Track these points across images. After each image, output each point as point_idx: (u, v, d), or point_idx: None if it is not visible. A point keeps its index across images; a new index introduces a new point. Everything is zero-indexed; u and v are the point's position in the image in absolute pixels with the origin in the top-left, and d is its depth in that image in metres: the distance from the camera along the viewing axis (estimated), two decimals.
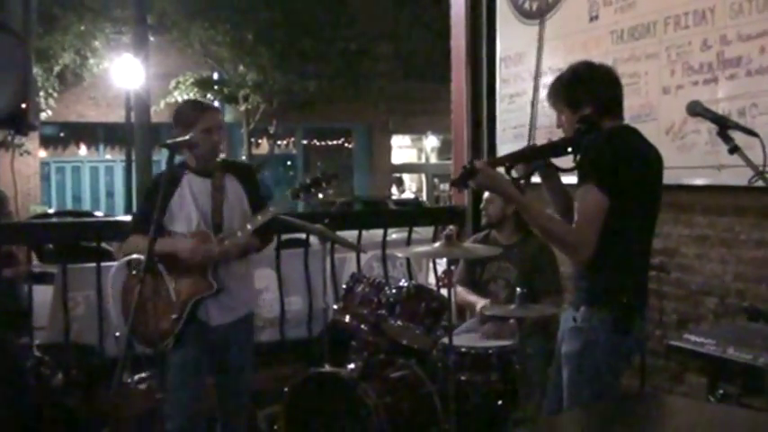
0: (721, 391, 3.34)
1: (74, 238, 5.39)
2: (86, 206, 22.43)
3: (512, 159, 3.14)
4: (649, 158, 3.05)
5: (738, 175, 3.53)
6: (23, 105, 3.76)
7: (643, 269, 3.09)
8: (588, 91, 3.05)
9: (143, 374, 4.53)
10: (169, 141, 3.38)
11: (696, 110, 2.91)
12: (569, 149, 3.05)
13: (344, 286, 4.33)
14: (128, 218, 5.27)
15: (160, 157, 18.61)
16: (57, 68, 18.65)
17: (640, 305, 3.04)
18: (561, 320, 3.22)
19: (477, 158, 5.83)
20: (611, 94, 3.10)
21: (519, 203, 3.01)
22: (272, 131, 22.54)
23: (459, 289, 4.63)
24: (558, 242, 3.05)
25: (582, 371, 2.96)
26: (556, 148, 3.12)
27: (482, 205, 4.74)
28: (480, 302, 4.41)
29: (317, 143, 26.28)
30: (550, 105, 3.22)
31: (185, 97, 19.80)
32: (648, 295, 3.14)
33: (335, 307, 4.28)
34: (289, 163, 25.40)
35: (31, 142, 19.74)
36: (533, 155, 3.16)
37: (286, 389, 4.03)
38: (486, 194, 4.60)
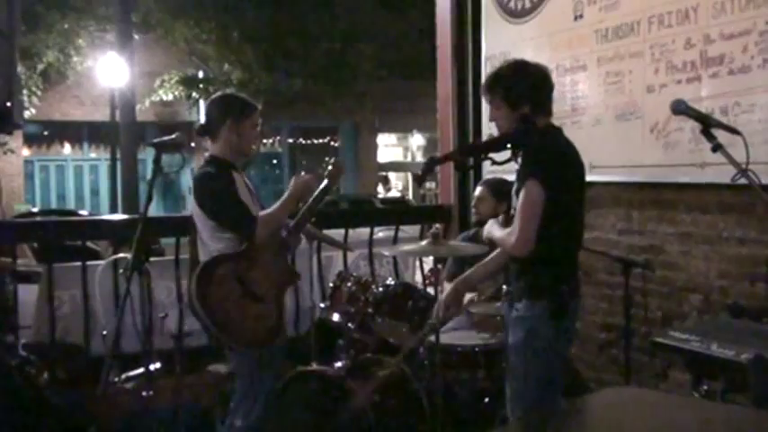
0: (705, 388, 3.36)
1: (59, 237, 5.37)
2: (71, 205, 22.28)
3: (460, 154, 3.43)
4: (578, 157, 3.28)
5: (722, 173, 3.56)
6: (8, 104, 3.75)
7: (575, 258, 3.35)
8: (528, 90, 3.24)
9: (130, 373, 4.53)
10: (156, 141, 3.40)
11: (680, 108, 2.95)
12: (508, 145, 3.22)
13: (331, 285, 4.34)
14: (113, 217, 5.25)
15: (145, 156, 18.52)
16: (40, 67, 18.52)
17: (575, 290, 3.30)
18: (505, 314, 3.44)
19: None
20: (547, 93, 3.31)
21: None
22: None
23: (446, 285, 4.65)
24: (502, 245, 3.30)
25: (528, 358, 3.18)
26: (497, 144, 3.27)
27: (473, 203, 4.77)
28: (467, 296, 4.42)
29: (303, 141, 26.22)
30: (486, 100, 3.38)
31: (170, 96, 19.76)
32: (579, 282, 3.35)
33: (322, 305, 4.29)
34: (274, 161, 25.33)
35: (15, 141, 19.60)
36: (479, 149, 3.30)
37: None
38: (477, 192, 4.63)
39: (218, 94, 3.97)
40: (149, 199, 3.45)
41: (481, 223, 4.65)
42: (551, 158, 3.16)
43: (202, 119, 3.86)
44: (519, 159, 3.24)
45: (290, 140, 25.79)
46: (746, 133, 2.92)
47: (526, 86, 3.25)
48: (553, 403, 3.20)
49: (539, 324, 3.16)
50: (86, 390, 4.53)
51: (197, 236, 3.66)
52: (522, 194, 3.11)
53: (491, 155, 3.25)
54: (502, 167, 3.32)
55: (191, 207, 3.73)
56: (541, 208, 3.07)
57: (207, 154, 3.74)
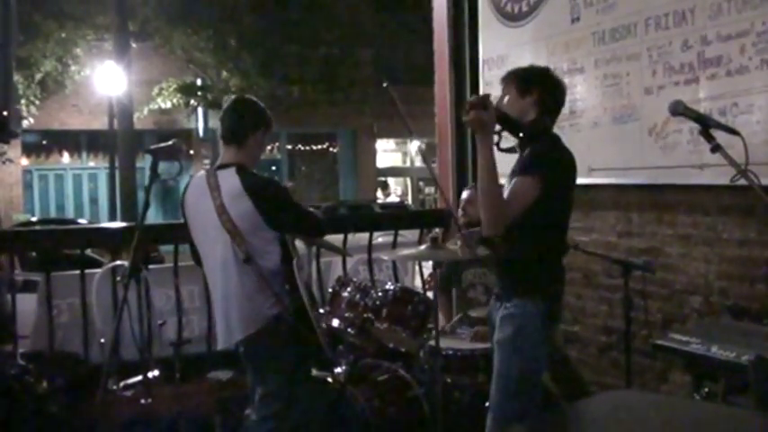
0: (706, 390, 3.35)
1: (58, 246, 5.35)
2: (70, 214, 22.28)
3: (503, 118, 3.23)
4: (575, 162, 3.29)
5: (721, 174, 3.56)
6: (4, 113, 3.74)
7: (561, 260, 3.35)
8: (540, 82, 3.28)
9: (129, 381, 4.51)
10: (152, 147, 3.38)
11: (679, 109, 2.95)
12: (517, 131, 3.25)
13: (331, 290, 4.33)
14: (111, 224, 5.24)
15: (144, 164, 18.52)
16: (38, 76, 18.55)
17: (562, 293, 3.32)
18: (490, 314, 3.39)
19: (463, 157, 5.94)
20: (559, 95, 3.34)
21: (488, 154, 3.03)
22: None
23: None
24: (490, 207, 3.06)
25: (513, 356, 3.15)
26: (512, 124, 3.25)
27: (461, 206, 4.75)
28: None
29: (302, 148, 26.23)
30: (502, 88, 3.38)
31: (169, 103, 19.76)
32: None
33: (322, 311, 4.28)
34: (273, 168, 25.33)
35: (14, 150, 19.61)
36: (506, 119, 3.24)
37: None
38: (464, 195, 4.65)
39: (244, 97, 3.75)
40: (146, 206, 3.43)
41: (470, 225, 4.63)
42: (556, 161, 3.19)
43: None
44: (522, 154, 3.24)
45: (289, 147, 25.80)
46: (745, 134, 2.91)
47: (539, 79, 3.30)
48: (531, 407, 3.15)
49: (529, 323, 3.15)
50: (85, 398, 4.51)
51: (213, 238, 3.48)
52: (517, 182, 3.10)
53: (504, 134, 3.25)
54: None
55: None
56: (528, 200, 3.06)
57: (224, 161, 3.51)
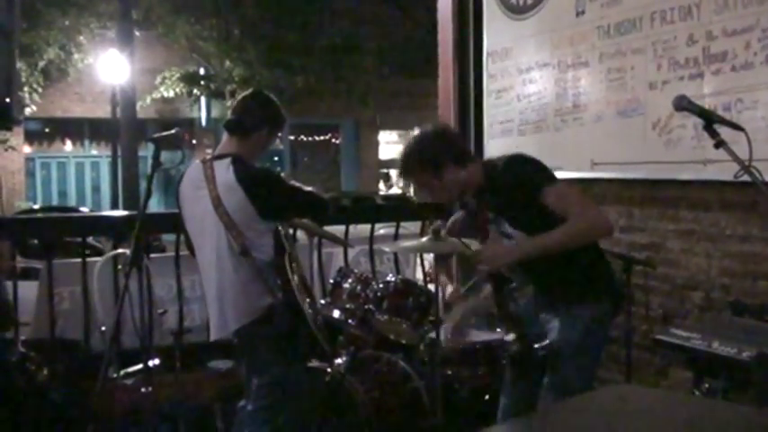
0: (707, 386, 3.35)
1: (60, 234, 5.35)
2: (72, 202, 22.32)
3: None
4: None
5: (724, 170, 3.54)
6: (7, 100, 3.74)
7: None
8: (442, 151, 3.14)
9: (129, 369, 4.52)
10: (155, 136, 3.38)
11: (683, 104, 2.93)
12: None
13: (332, 281, 4.33)
14: (112, 213, 5.24)
15: (146, 153, 18.52)
16: (41, 64, 18.56)
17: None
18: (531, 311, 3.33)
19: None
20: (457, 142, 3.27)
21: (531, 252, 3.03)
22: None
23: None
24: (583, 237, 3.06)
25: (579, 359, 3.14)
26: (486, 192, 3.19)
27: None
28: (449, 288, 4.46)
29: (305, 139, 26.25)
30: (413, 184, 3.37)
31: (171, 92, 19.74)
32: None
33: (323, 302, 4.28)
34: (276, 158, 25.35)
35: (16, 138, 19.62)
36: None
37: None
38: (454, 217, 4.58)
39: (261, 92, 3.73)
40: (148, 194, 3.43)
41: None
42: (540, 164, 3.11)
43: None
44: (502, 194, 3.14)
45: (292, 137, 25.80)
46: (749, 130, 2.89)
47: (441, 146, 3.17)
48: None
49: (597, 324, 3.15)
50: (86, 386, 4.52)
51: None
52: (556, 195, 3.02)
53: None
54: None
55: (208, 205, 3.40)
56: (578, 191, 3.11)
57: (223, 152, 3.46)
